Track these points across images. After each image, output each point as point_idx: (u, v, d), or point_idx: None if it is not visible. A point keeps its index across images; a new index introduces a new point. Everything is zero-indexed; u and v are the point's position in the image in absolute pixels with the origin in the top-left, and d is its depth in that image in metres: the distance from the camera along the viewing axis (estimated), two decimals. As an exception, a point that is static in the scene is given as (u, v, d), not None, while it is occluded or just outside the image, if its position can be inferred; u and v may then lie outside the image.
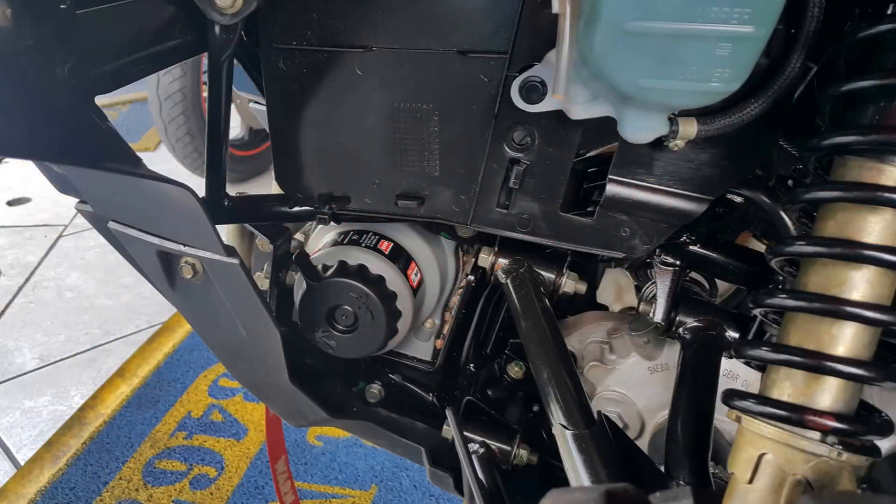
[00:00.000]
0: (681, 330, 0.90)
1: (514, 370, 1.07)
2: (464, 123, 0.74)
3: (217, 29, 0.70)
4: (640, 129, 0.62)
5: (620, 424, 1.03)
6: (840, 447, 0.55)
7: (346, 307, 0.87)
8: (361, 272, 0.87)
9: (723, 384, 0.85)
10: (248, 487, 1.90)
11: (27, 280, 3.02)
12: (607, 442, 0.78)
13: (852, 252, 0.55)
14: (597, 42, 0.53)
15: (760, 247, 1.04)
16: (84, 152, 0.67)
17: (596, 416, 0.79)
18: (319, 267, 0.88)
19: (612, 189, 0.73)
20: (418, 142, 0.76)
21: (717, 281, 1.05)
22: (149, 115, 3.37)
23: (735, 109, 0.63)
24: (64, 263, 3.14)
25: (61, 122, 0.64)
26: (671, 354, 0.99)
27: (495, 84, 0.70)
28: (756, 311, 0.70)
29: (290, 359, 0.85)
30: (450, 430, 0.95)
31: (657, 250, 0.90)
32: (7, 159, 4.03)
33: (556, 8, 0.54)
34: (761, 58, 0.55)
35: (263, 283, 0.93)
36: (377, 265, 0.89)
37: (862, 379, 0.56)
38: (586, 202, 0.85)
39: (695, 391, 0.84)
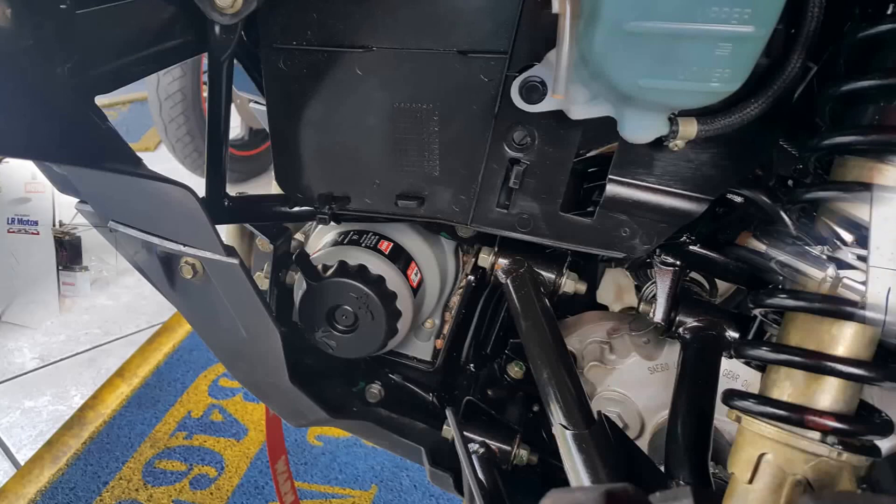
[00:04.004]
0: (681, 330, 0.90)
1: (514, 370, 1.07)
2: (464, 123, 0.74)
3: (217, 29, 0.70)
4: (640, 129, 0.62)
5: (620, 424, 1.03)
6: (840, 447, 0.55)
7: (346, 307, 0.87)
8: (361, 272, 0.87)
9: (723, 384, 0.85)
10: (248, 487, 1.90)
11: (27, 280, 3.01)
12: (607, 442, 0.78)
13: (852, 252, 0.55)
14: (597, 42, 0.53)
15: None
16: (84, 152, 0.67)
17: (596, 416, 0.79)
18: (319, 267, 0.88)
19: (612, 189, 0.73)
20: (418, 142, 0.76)
21: (717, 281, 1.05)
22: (149, 115, 3.36)
23: (735, 109, 0.63)
24: (64, 263, 3.13)
25: (61, 122, 0.64)
26: (671, 354, 0.99)
27: (495, 84, 0.70)
28: (756, 311, 0.70)
29: (290, 359, 0.85)
30: (450, 430, 0.95)
31: (657, 250, 0.89)
32: (7, 159, 4.03)
33: (556, 8, 0.54)
34: (761, 58, 0.55)
35: (263, 283, 0.93)
36: (377, 265, 0.89)
37: (862, 379, 0.56)
38: (586, 202, 0.85)
39: (695, 391, 0.84)
